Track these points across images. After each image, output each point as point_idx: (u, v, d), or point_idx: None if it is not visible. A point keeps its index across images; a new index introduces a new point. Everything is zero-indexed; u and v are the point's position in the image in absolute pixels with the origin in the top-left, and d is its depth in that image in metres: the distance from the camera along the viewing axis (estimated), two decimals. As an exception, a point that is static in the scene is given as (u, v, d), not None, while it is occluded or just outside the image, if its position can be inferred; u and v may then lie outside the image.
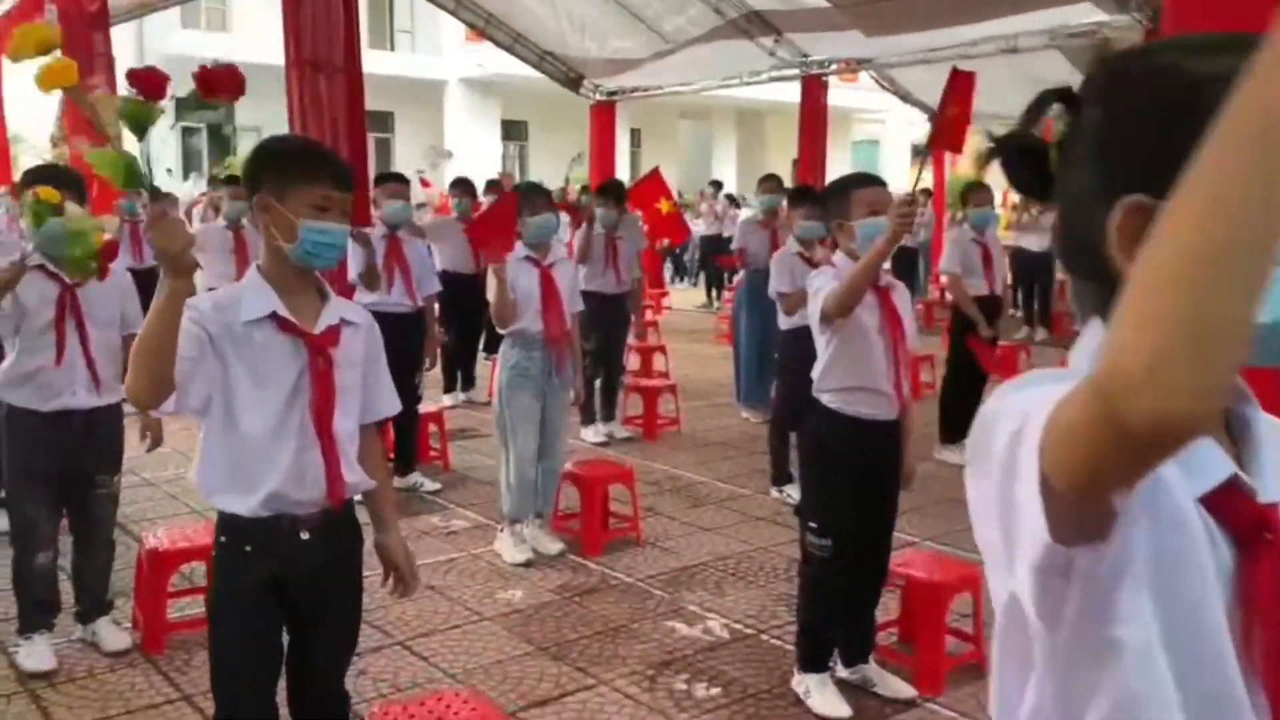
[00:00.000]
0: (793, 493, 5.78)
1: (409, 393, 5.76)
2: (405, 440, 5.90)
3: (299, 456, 2.25)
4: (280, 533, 2.28)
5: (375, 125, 24.41)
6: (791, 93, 22.52)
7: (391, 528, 2.51)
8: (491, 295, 4.63)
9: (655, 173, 8.55)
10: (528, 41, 14.88)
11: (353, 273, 5.60)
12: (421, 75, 23.49)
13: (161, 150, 20.60)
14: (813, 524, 3.38)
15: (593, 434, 7.15)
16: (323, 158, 2.35)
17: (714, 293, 16.34)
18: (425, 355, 5.89)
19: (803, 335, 5.50)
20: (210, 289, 2.54)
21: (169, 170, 20.98)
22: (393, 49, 24.12)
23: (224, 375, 2.22)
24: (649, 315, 11.97)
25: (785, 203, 6.95)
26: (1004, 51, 11.90)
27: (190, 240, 2.04)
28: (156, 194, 2.22)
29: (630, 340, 8.09)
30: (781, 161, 24.50)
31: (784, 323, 5.62)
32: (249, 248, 7.41)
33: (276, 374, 2.25)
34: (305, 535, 2.30)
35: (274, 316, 2.25)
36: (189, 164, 22.49)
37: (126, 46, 20.21)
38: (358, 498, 2.42)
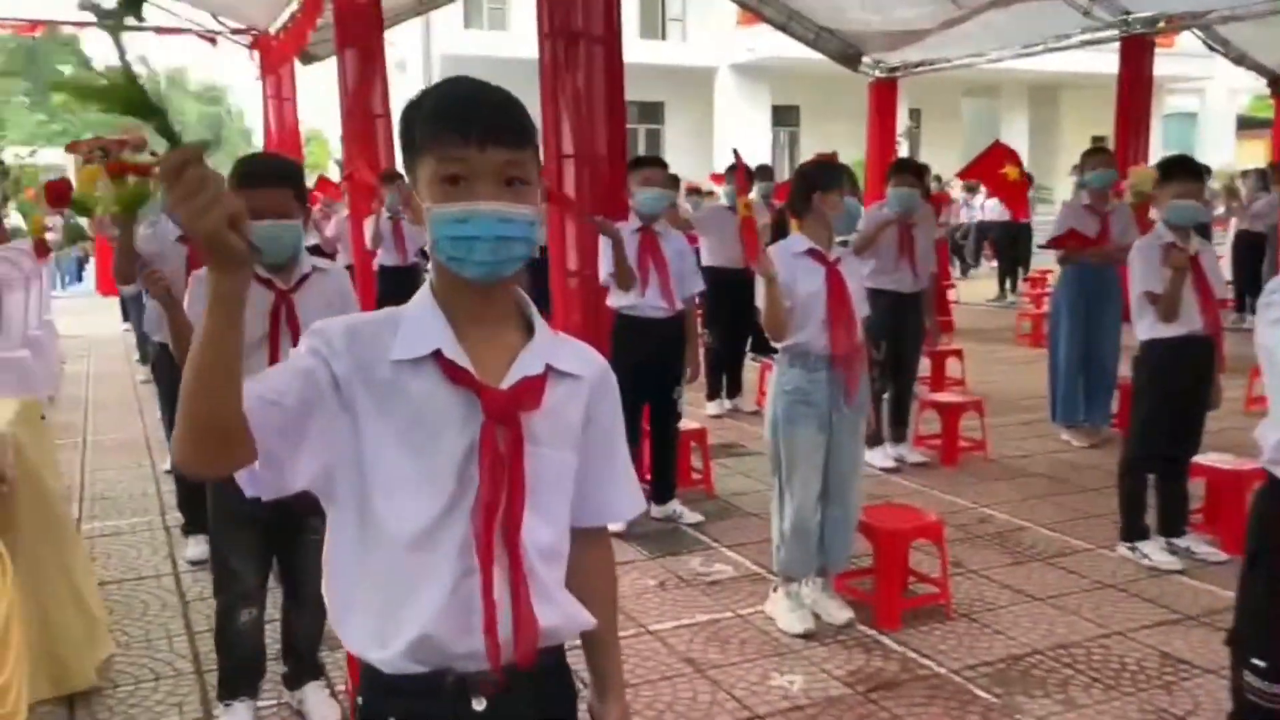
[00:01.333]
0: (1150, 553, 4.45)
1: (668, 409, 4.93)
2: (663, 463, 5.06)
3: (461, 582, 1.38)
4: (441, 698, 1.42)
5: (645, 116, 24.08)
6: (1095, 62, 20.15)
7: (615, 694, 1.60)
8: (760, 300, 3.65)
9: (997, 144, 7.58)
10: (802, 18, 13.77)
11: (603, 273, 4.80)
12: (692, 63, 22.85)
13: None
14: (1260, 662, 2.19)
15: (880, 458, 6.03)
16: (463, 102, 1.40)
17: (1008, 284, 14.60)
18: (686, 365, 5.00)
19: (1176, 347, 4.36)
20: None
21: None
22: (663, 38, 23.63)
23: (356, 441, 1.38)
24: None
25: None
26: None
27: (237, 209, 1.16)
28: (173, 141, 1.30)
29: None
30: (1078, 140, 21.99)
31: (1145, 330, 4.32)
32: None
33: (436, 448, 1.39)
34: (480, 706, 1.42)
35: (438, 357, 1.39)
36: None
37: (414, 45, 20.83)
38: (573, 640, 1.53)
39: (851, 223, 3.75)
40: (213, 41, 11.68)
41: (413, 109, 1.42)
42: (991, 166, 7.53)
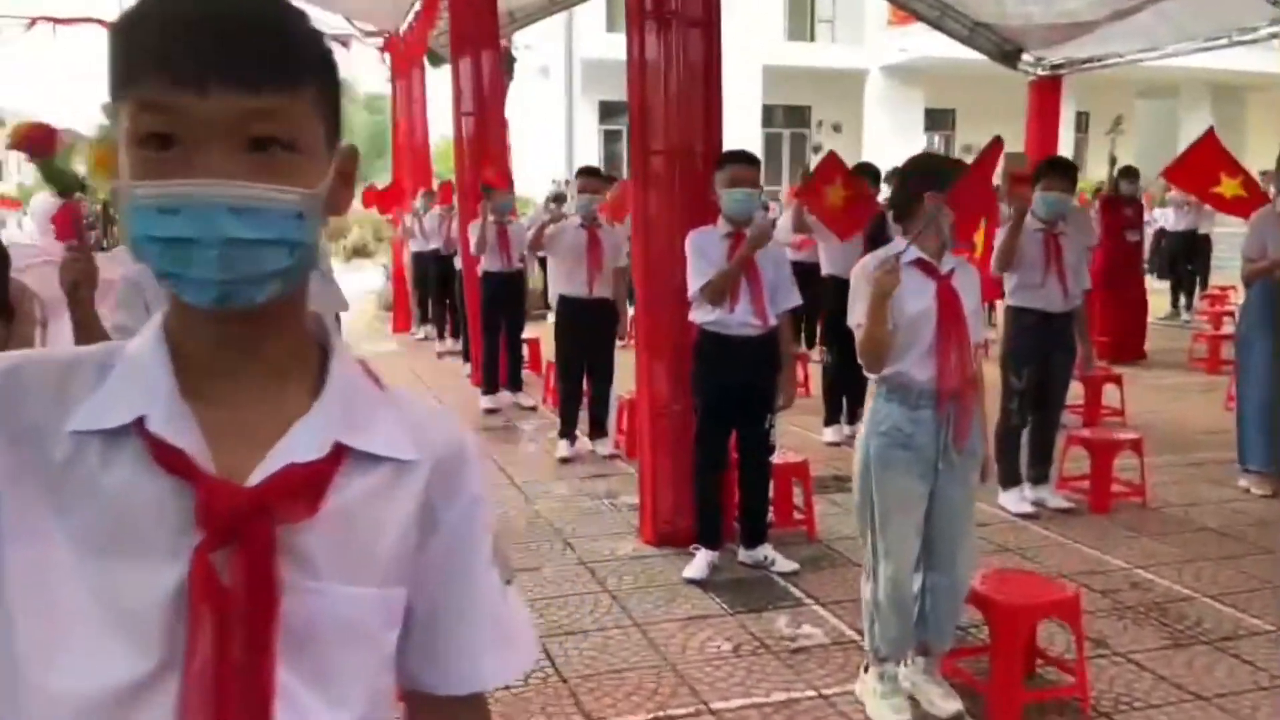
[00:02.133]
0: (1353, 645, 3.53)
1: (758, 439, 4.28)
2: (752, 501, 4.40)
3: None
4: None
5: (791, 120, 23.26)
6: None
7: None
8: (855, 318, 2.98)
9: (1209, 139, 6.10)
10: (957, 13, 12.78)
11: (693, 286, 4.18)
12: (841, 65, 21.92)
13: (585, 150, 20.86)
14: None
15: (1016, 501, 5.21)
16: (183, 17, 0.79)
17: (1182, 301, 13.20)
18: (780, 390, 4.33)
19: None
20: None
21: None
22: (812, 39, 22.77)
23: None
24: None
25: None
26: None
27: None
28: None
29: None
30: (1266, 145, 19.96)
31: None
32: (604, 251, 6.24)
33: (134, 578, 0.82)
34: None
35: (141, 429, 0.83)
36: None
37: (557, 50, 20.66)
38: None
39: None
40: (345, 45, 11.61)
41: (118, 29, 0.85)
42: (1203, 171, 5.92)
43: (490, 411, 7.58)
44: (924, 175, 3.03)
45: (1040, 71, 13.48)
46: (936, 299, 2.97)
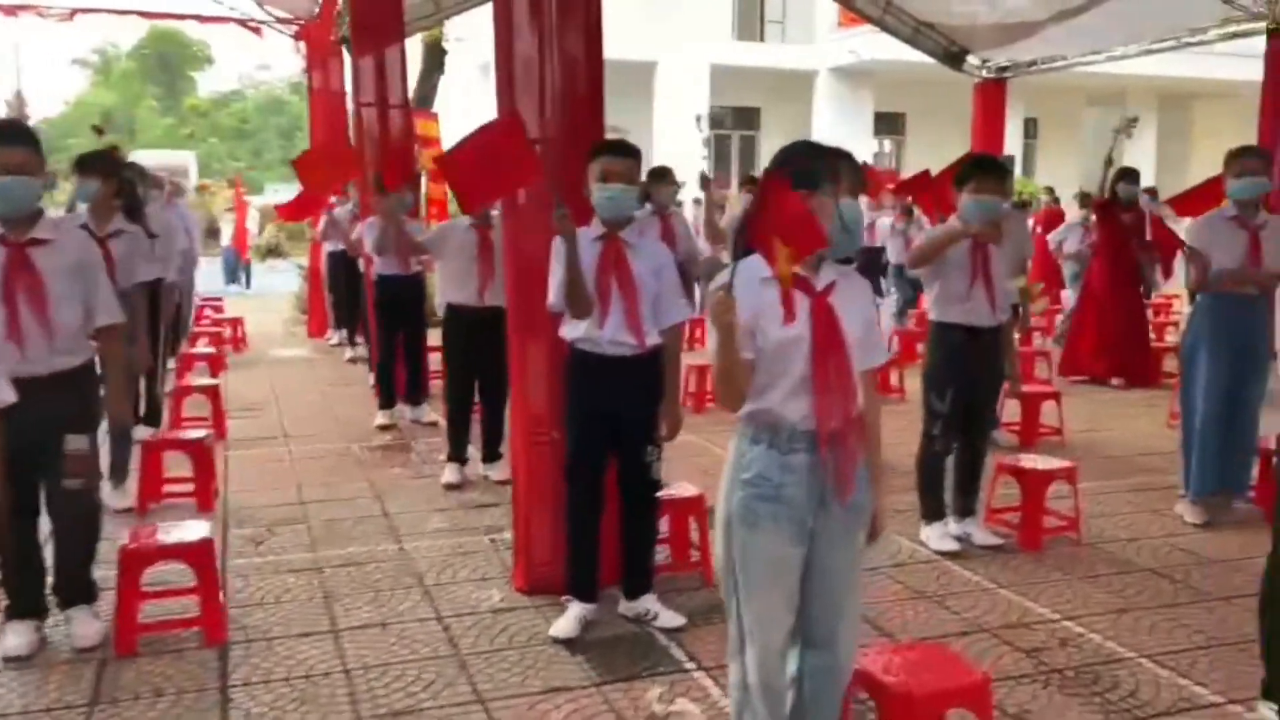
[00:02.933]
0: (1308, 725, 3.00)
1: (638, 473, 3.69)
2: (634, 544, 3.80)
3: None
4: None
5: (740, 122, 22.78)
6: (1233, 68, 18.03)
7: None
8: (710, 351, 2.38)
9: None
10: (900, 11, 12.30)
11: (553, 294, 3.59)
12: (791, 66, 21.46)
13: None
14: None
15: (938, 537, 4.67)
16: None
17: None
18: (662, 418, 3.72)
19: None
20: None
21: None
22: (762, 39, 22.29)
23: None
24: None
25: None
26: None
27: None
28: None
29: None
30: (1211, 152, 19.78)
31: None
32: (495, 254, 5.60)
33: None
34: None
35: None
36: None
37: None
38: None
39: (852, 237, 2.44)
40: (257, 32, 10.89)
41: None
42: (1212, 200, 5.46)
43: (384, 428, 6.93)
44: (786, 170, 2.42)
45: (986, 74, 13.03)
46: (811, 320, 2.39)
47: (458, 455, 5.66)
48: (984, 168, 4.56)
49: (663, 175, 7.24)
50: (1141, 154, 22.10)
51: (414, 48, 11.28)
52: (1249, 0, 9.75)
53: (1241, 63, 12.60)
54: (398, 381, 7.09)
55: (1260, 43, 9.98)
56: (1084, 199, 12.51)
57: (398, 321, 6.95)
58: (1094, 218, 10.11)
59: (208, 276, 17.55)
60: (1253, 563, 4.39)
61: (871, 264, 12.33)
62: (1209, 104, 23.31)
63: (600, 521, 3.77)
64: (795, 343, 2.39)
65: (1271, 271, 4.92)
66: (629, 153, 3.62)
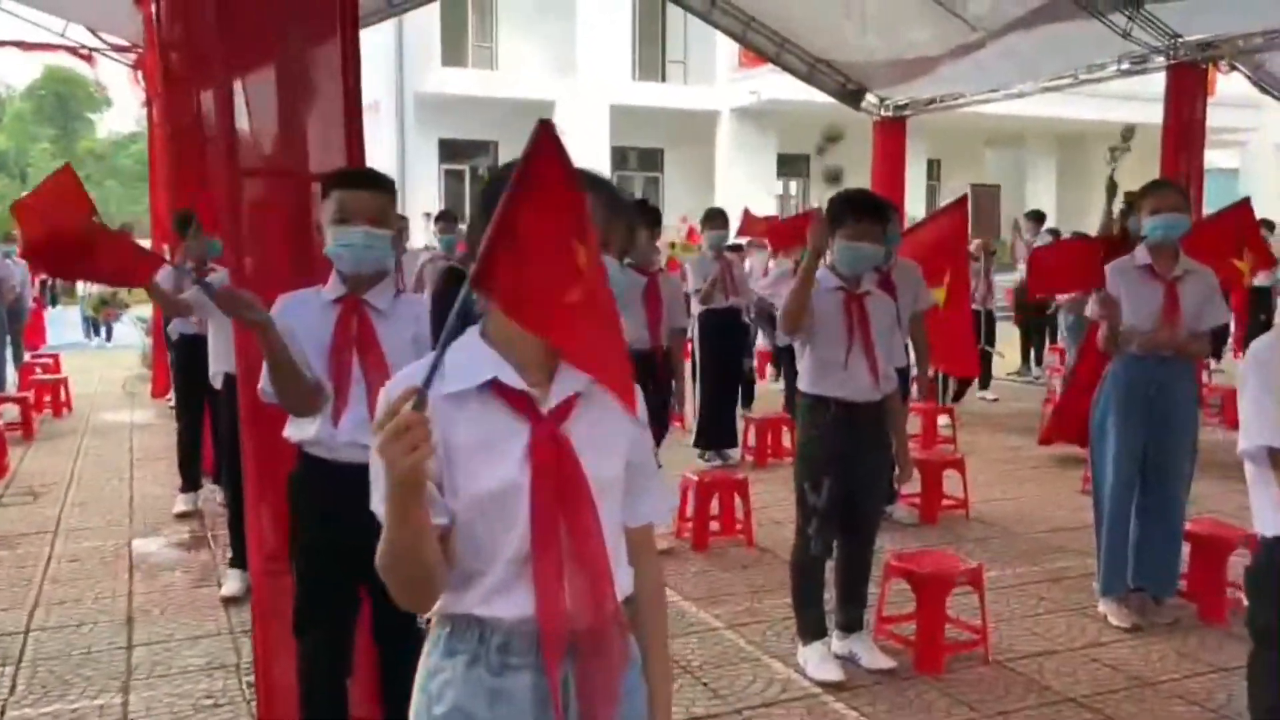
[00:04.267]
0: None
1: (392, 618, 2.69)
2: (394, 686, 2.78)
3: None
4: None
5: (644, 163, 22.08)
6: (1131, 111, 17.82)
7: None
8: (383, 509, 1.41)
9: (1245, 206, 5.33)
10: (796, 48, 11.66)
11: (263, 382, 2.58)
12: (692, 106, 20.82)
13: (425, 190, 19.10)
14: None
15: (817, 661, 3.71)
16: None
17: (1034, 355, 12.18)
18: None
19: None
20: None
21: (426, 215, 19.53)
22: (664, 79, 21.64)
23: None
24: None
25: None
26: None
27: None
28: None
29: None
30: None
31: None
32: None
33: None
34: None
35: None
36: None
37: (387, 84, 18.93)
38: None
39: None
40: (88, 59, 9.71)
41: None
42: (1225, 240, 4.84)
43: (182, 516, 5.79)
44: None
45: (885, 112, 12.47)
46: (530, 455, 1.42)
47: (243, 563, 4.58)
48: (858, 206, 3.68)
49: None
50: (1042, 195, 21.95)
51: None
52: (1148, 36, 9.29)
53: (1139, 105, 12.25)
54: (205, 458, 5.96)
55: (1155, 85, 9.51)
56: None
57: (201, 388, 5.83)
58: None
59: (67, 329, 16.10)
60: (1198, 683, 3.56)
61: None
62: (1106, 144, 23.31)
63: (346, 685, 2.74)
64: (511, 490, 1.42)
65: (1197, 332, 4.13)
66: (378, 184, 2.64)
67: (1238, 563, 4.00)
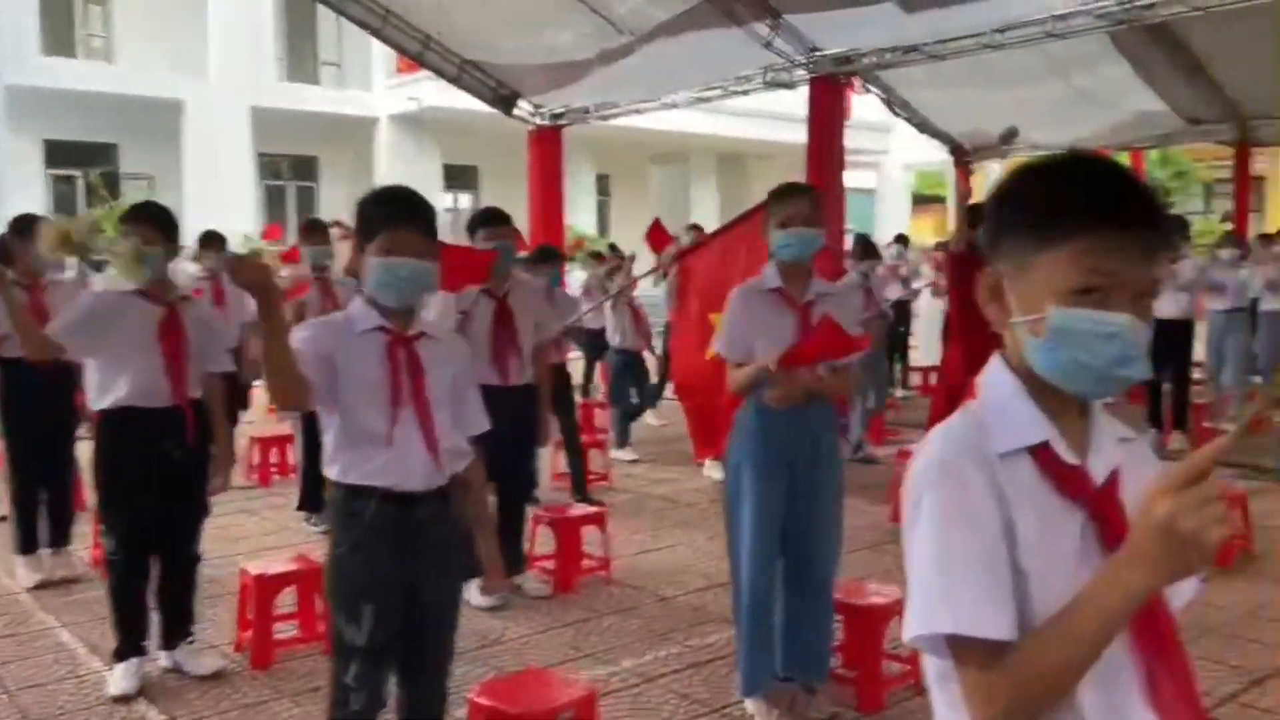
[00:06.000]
0: None
1: None
2: None
3: None
4: None
5: (298, 172, 20.09)
6: (782, 131, 18.27)
7: None
8: None
9: None
10: (442, 48, 10.54)
11: None
12: (348, 112, 19.12)
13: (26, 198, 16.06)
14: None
15: None
16: None
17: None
18: None
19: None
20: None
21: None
22: (316, 82, 19.76)
23: None
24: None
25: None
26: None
27: None
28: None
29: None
30: (768, 210, 20.06)
31: None
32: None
33: None
34: None
35: None
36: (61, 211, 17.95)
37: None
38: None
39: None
40: None
41: None
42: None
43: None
44: None
45: (540, 121, 11.65)
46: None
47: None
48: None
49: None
50: (706, 210, 22.24)
51: None
52: (789, 48, 9.05)
53: (790, 125, 12.26)
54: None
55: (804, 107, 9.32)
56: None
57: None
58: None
59: None
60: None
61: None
62: (763, 163, 24.08)
63: None
64: None
65: (836, 366, 3.40)
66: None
67: (895, 628, 3.31)
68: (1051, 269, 1.19)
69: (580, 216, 20.19)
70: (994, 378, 1.28)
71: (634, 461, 7.70)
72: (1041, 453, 1.21)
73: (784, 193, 3.44)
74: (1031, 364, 1.23)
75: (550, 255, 6.94)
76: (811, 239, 3.33)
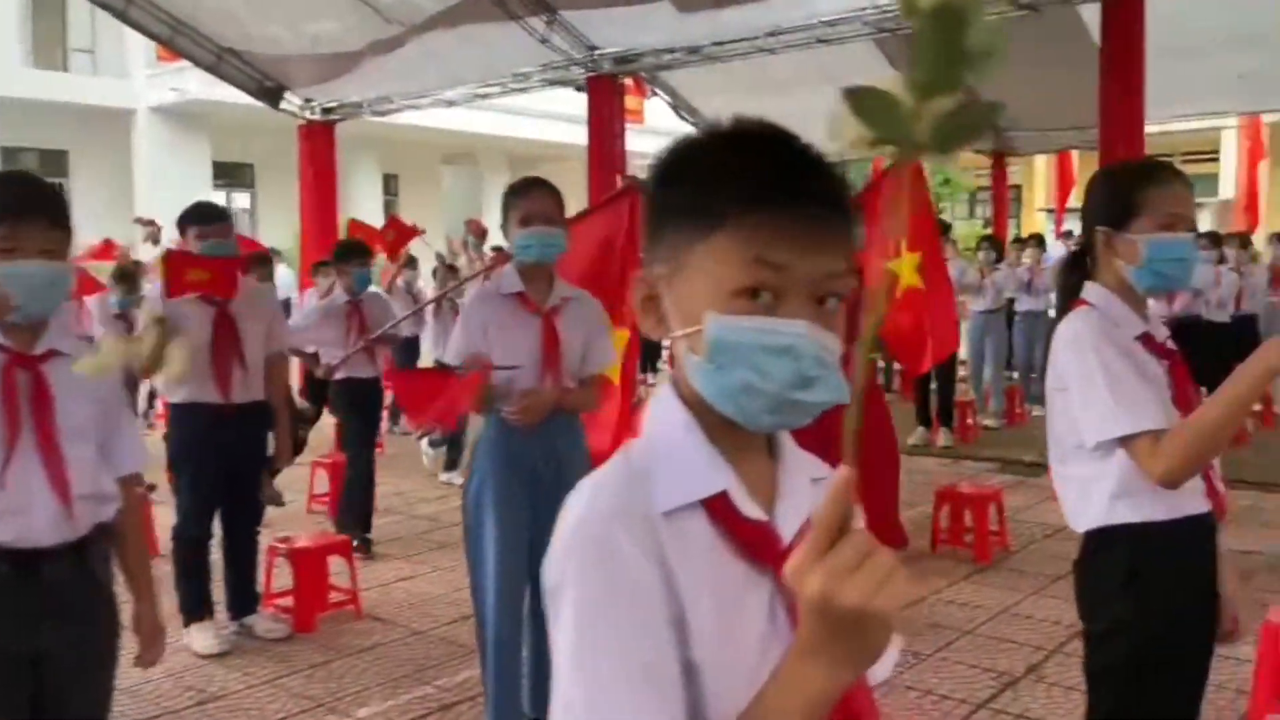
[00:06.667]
0: None
1: None
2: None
3: None
4: None
5: (46, 166, 18.17)
6: (570, 133, 18.04)
7: None
8: None
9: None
10: (195, 33, 9.64)
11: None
12: (103, 103, 17.49)
13: None
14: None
15: None
16: None
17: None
18: None
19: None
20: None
21: None
22: (65, 69, 17.99)
23: None
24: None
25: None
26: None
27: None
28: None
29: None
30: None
31: None
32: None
33: None
34: None
35: None
36: None
37: None
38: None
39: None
40: None
41: None
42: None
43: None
44: None
45: (310, 115, 10.90)
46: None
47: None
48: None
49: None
50: (495, 213, 21.77)
51: None
52: (567, 46, 8.79)
53: (579, 128, 12.04)
54: None
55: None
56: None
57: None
58: None
59: None
60: None
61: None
62: (553, 165, 23.82)
63: None
64: None
65: (585, 378, 3.11)
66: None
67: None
68: (708, 264, 0.90)
69: (365, 218, 19.27)
70: (661, 410, 0.98)
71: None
72: (717, 506, 0.92)
73: (524, 187, 3.12)
74: (698, 390, 0.93)
75: (357, 252, 5.87)
76: (554, 239, 3.03)
